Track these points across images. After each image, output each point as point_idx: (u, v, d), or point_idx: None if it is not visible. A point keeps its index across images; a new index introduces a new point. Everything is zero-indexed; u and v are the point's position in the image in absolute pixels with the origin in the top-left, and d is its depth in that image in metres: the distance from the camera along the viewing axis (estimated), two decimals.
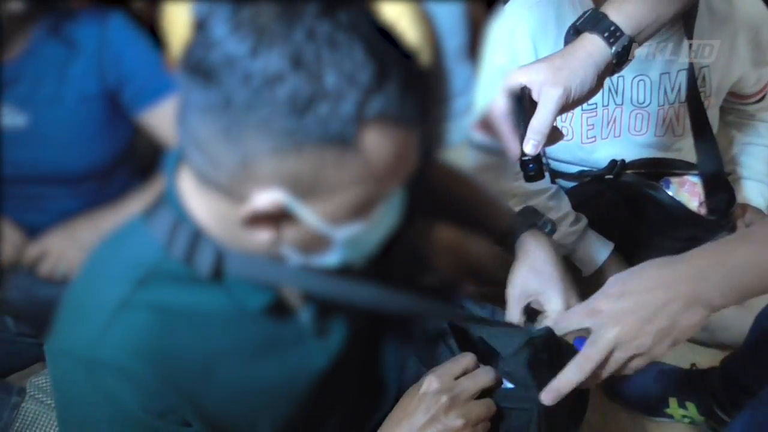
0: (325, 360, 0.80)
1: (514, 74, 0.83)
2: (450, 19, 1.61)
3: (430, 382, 0.77)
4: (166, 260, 0.69)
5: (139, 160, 1.43)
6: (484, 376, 0.78)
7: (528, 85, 0.82)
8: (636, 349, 0.73)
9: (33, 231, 1.30)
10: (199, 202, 0.67)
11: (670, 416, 1.29)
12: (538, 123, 0.80)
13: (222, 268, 0.68)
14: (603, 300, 0.75)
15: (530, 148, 0.81)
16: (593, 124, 1.33)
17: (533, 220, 0.95)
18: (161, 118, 1.30)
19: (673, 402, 1.28)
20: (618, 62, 0.85)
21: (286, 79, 0.54)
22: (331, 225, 0.64)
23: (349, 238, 0.66)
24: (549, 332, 0.80)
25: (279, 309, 0.75)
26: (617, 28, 0.83)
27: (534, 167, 0.83)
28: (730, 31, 1.27)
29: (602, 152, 1.35)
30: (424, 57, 1.54)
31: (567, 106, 0.83)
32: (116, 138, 1.36)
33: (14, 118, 1.26)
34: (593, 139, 1.35)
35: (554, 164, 1.42)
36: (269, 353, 0.76)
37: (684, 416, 1.28)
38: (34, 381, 1.28)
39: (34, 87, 1.26)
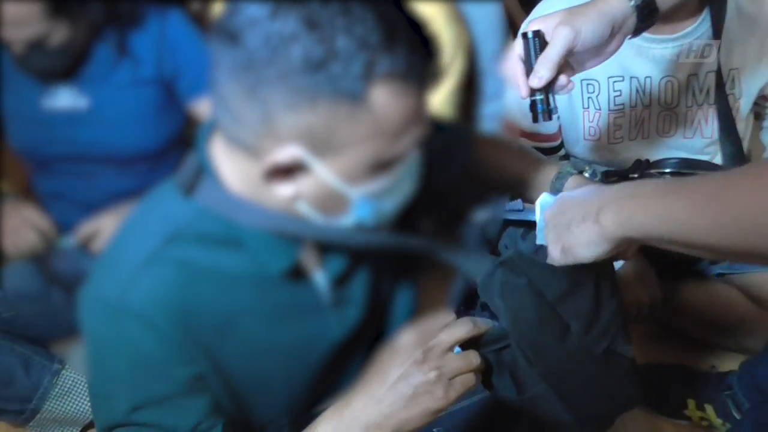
0: (340, 332, 0.84)
1: (532, 22, 0.87)
2: (487, 23, 1.64)
3: (405, 337, 0.76)
4: (194, 221, 0.75)
5: (188, 147, 1.51)
6: (460, 327, 0.76)
7: (543, 30, 0.86)
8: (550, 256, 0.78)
9: (85, 208, 1.40)
10: (228, 165, 0.74)
11: (689, 418, 1.28)
12: (544, 58, 0.83)
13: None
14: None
15: (535, 81, 0.83)
16: (620, 125, 1.34)
17: (582, 167, 1.00)
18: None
19: (691, 404, 1.27)
20: (640, 18, 0.87)
21: (300, 40, 0.61)
22: (346, 182, 0.69)
23: (366, 199, 0.71)
24: (518, 253, 0.79)
25: (298, 275, 0.79)
26: None
27: (542, 108, 0.86)
28: (760, 32, 1.26)
29: (630, 153, 1.35)
30: (460, 58, 1.58)
31: (580, 56, 0.86)
32: (169, 123, 1.46)
33: (77, 101, 1.37)
34: (620, 139, 1.35)
35: (582, 165, 1.43)
36: (286, 318, 0.80)
37: (702, 418, 1.27)
38: (75, 350, 1.37)
39: (96, 72, 1.37)
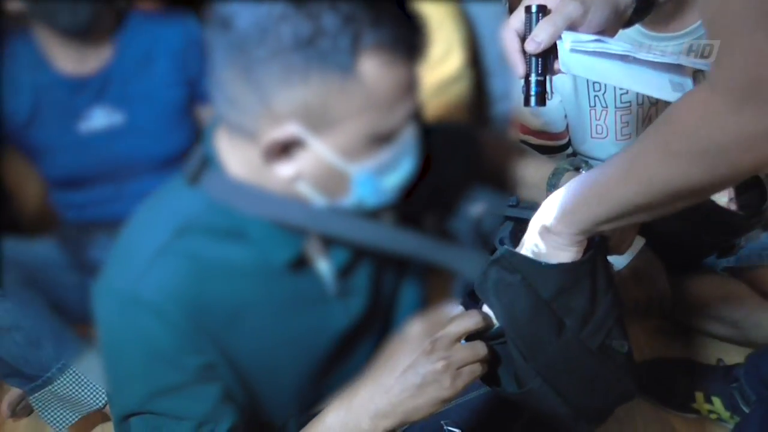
0: (345, 322, 0.86)
1: None
2: (491, 26, 1.66)
3: (413, 327, 0.76)
4: (202, 213, 0.78)
5: None
6: (469, 319, 0.76)
7: (548, 5, 0.80)
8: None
9: (113, 223, 1.43)
10: (230, 153, 0.77)
11: (697, 411, 1.29)
12: (545, 21, 0.77)
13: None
14: None
15: (531, 45, 0.78)
16: (628, 122, 1.36)
17: (578, 164, 0.99)
18: None
19: (699, 397, 1.28)
20: (636, 12, 0.85)
21: (289, 19, 0.64)
22: (344, 158, 0.71)
23: (366, 176, 0.73)
24: (511, 251, 0.77)
25: (303, 266, 0.82)
26: None
27: (537, 89, 0.80)
28: None
29: None
30: (464, 55, 1.59)
31: (576, 28, 0.79)
32: (194, 123, 1.51)
33: (113, 117, 1.43)
34: (628, 136, 1.37)
35: (590, 162, 1.45)
36: (293, 308, 0.83)
37: (710, 411, 1.27)
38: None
39: (125, 86, 1.42)
